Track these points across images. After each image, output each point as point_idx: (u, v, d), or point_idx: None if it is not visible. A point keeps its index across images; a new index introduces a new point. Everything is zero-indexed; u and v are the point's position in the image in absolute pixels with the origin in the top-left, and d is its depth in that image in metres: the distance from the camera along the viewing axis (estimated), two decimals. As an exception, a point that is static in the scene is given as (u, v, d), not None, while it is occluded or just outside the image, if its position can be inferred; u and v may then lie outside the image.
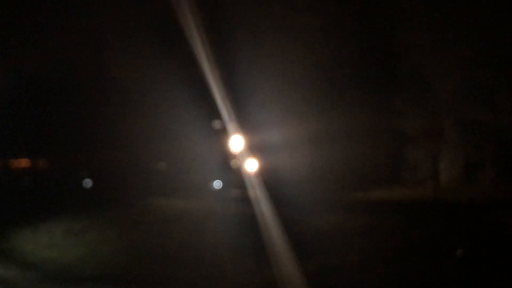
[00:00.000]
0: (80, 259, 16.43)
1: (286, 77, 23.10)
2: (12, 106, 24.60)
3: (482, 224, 16.34)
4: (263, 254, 15.29)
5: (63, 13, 23.86)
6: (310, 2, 22.83)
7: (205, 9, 20.38)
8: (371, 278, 13.36)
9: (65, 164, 26.59)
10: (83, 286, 14.29)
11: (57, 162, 26.91)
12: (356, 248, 15.82)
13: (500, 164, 21.73)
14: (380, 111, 23.12)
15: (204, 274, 14.61)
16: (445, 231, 16.14)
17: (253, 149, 21.74)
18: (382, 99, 23.13)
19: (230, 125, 20.81)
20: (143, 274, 15.03)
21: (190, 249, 16.79)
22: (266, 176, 21.12)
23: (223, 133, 21.86)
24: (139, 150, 24.84)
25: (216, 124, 22.35)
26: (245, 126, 21.44)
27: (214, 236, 17.46)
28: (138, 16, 23.86)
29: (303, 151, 23.30)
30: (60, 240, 18.17)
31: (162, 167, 26.11)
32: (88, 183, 26.12)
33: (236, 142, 21.31)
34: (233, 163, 23.04)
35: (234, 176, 22.75)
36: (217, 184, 23.78)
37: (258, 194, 19.30)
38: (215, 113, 20.97)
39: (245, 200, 20.24)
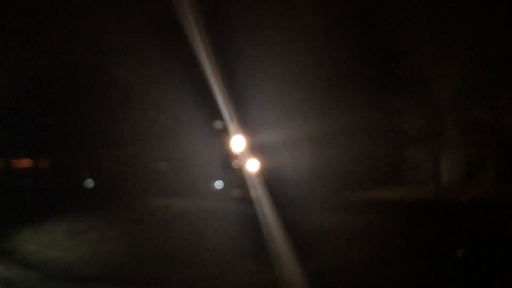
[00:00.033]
0: (82, 259, 16.49)
1: (287, 78, 23.11)
2: (13, 106, 24.66)
3: (483, 224, 16.35)
4: (264, 254, 15.33)
5: (66, 14, 23.90)
6: (310, 2, 22.84)
7: (206, 10, 20.40)
8: (372, 277, 13.39)
9: (67, 164, 26.64)
10: (84, 286, 14.34)
11: (59, 162, 26.96)
12: (357, 248, 15.84)
13: (501, 164, 21.73)
14: (381, 111, 23.12)
15: (205, 274, 14.65)
16: (446, 231, 16.16)
17: (254, 149, 21.75)
18: (383, 99, 23.13)
19: (231, 125, 20.84)
20: (144, 274, 15.08)
21: (191, 249, 16.83)
22: (267, 176, 21.15)
23: (224, 133, 21.88)
24: (141, 150, 24.86)
25: (218, 124, 22.37)
26: (246, 126, 21.47)
27: (215, 236, 17.50)
28: (140, 17, 23.88)
29: (304, 151, 23.33)
30: (61, 240, 18.21)
31: (163, 167, 26.15)
32: (89, 183, 26.16)
33: (237, 142, 21.33)
34: (234, 163, 23.07)
35: (235, 176, 22.78)
36: (219, 184, 23.80)
37: (259, 194, 19.33)
38: (216, 114, 21.00)
39: (246, 200, 20.28)
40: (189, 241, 17.58)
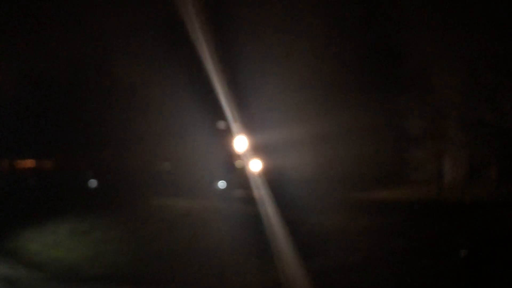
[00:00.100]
0: (85, 259, 16.53)
1: (290, 78, 23.12)
2: (17, 107, 24.73)
3: (485, 224, 16.34)
4: (267, 254, 15.34)
5: (70, 15, 23.96)
6: (313, 4, 22.84)
7: (210, 11, 20.43)
8: (375, 278, 13.40)
9: (70, 164, 26.71)
10: (87, 285, 14.38)
11: (62, 163, 27.03)
12: (360, 248, 15.84)
13: (503, 164, 21.69)
14: (383, 111, 23.10)
15: (208, 274, 14.67)
16: (448, 231, 16.15)
17: (257, 149, 21.78)
18: (385, 99, 23.11)
19: (234, 126, 20.86)
20: (148, 274, 15.12)
21: (194, 249, 16.86)
22: (270, 176, 21.17)
23: (227, 134, 21.91)
24: (144, 151, 24.91)
25: (221, 124, 22.40)
26: (249, 126, 21.49)
27: (218, 236, 17.52)
28: (143, 17, 23.93)
29: (307, 151, 23.34)
30: (65, 240, 18.27)
31: (166, 167, 26.19)
32: (92, 183, 26.21)
33: (240, 143, 21.36)
34: (237, 163, 23.10)
35: (238, 176, 22.80)
36: (221, 184, 23.83)
37: (262, 194, 19.35)
38: (219, 114, 21.02)
39: (249, 200, 20.30)
40: (192, 241, 17.61)
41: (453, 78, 21.36)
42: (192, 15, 19.46)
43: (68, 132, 25.06)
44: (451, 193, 20.99)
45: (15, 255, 17.03)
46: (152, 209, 21.33)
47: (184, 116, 23.00)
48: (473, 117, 21.64)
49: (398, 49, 22.56)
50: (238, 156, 22.20)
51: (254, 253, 15.82)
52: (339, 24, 22.68)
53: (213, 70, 19.69)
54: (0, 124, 23.46)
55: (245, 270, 14.85)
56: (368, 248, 15.77)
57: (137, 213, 20.76)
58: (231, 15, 23.07)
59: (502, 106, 21.47)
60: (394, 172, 23.52)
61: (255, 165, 21.37)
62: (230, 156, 22.77)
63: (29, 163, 27.34)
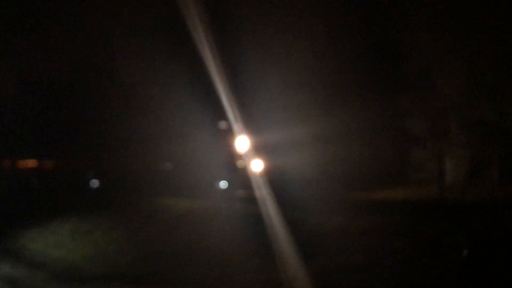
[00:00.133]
0: (87, 259, 16.55)
1: (292, 78, 23.14)
2: (19, 107, 24.79)
3: (487, 224, 16.32)
4: (268, 254, 15.35)
5: (71, 16, 24.02)
6: (315, 4, 22.85)
7: (211, 11, 20.45)
8: (377, 278, 13.39)
9: (72, 164, 26.75)
10: (89, 285, 14.38)
11: (64, 163, 27.06)
12: (362, 248, 15.84)
13: (505, 164, 21.69)
14: (385, 111, 23.13)
15: (210, 273, 14.68)
16: (450, 231, 16.12)
17: (259, 149, 21.78)
18: (387, 99, 23.14)
19: (236, 126, 20.87)
20: (149, 274, 15.12)
21: (196, 248, 16.87)
22: (272, 176, 21.18)
23: (229, 134, 21.91)
24: (146, 151, 24.94)
25: (222, 124, 22.41)
26: (251, 126, 21.50)
27: (219, 236, 17.53)
28: (144, 18, 23.97)
29: (309, 151, 23.35)
30: (67, 240, 18.29)
31: (168, 167, 26.22)
32: (94, 183, 26.24)
33: (242, 143, 21.36)
34: (238, 163, 23.10)
35: (240, 176, 22.81)
36: (223, 184, 23.84)
37: (263, 194, 19.36)
38: (221, 114, 21.04)
39: (250, 200, 20.31)
40: (193, 240, 17.61)
41: (454, 78, 21.39)
42: (193, 15, 19.49)
43: (70, 132, 25.11)
44: (452, 193, 20.99)
45: (16, 255, 17.05)
46: (154, 209, 21.34)
47: (186, 116, 23.05)
48: (474, 117, 21.66)
49: (399, 50, 22.60)
50: (240, 156, 22.19)
51: (255, 253, 15.83)
52: (341, 25, 22.71)
53: (214, 70, 19.71)
54: (2, 124, 23.52)
55: (246, 270, 14.85)
56: (369, 248, 15.76)
57: (138, 213, 20.77)
58: (232, 15, 23.11)
59: (503, 106, 21.46)
60: (395, 172, 23.54)
61: (257, 165, 21.37)
62: (232, 156, 22.76)
63: (30, 163, 27.39)
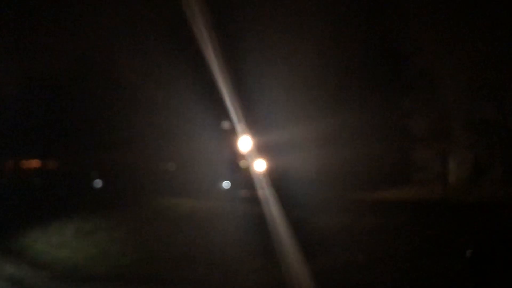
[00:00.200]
0: (90, 259, 16.59)
1: (294, 78, 23.13)
2: (22, 107, 24.81)
3: (491, 224, 16.30)
4: (271, 253, 15.36)
5: (74, 16, 24.05)
6: (318, 4, 22.84)
7: (214, 10, 20.46)
8: (379, 278, 13.40)
9: (75, 164, 26.76)
10: (93, 285, 14.42)
11: (67, 163, 27.09)
12: (365, 248, 15.84)
13: (508, 164, 21.65)
14: (388, 111, 23.10)
15: (213, 273, 14.70)
16: (454, 231, 16.13)
17: (262, 149, 21.78)
18: (390, 99, 23.11)
19: (239, 126, 20.87)
20: (153, 274, 15.15)
21: (199, 248, 16.89)
22: (275, 176, 21.17)
23: (232, 134, 21.91)
24: (149, 151, 24.96)
25: (225, 124, 22.40)
26: (253, 126, 21.49)
27: (222, 236, 17.55)
28: (148, 17, 23.97)
29: (311, 151, 23.33)
30: (70, 240, 18.31)
31: (171, 168, 26.23)
32: (98, 183, 26.26)
33: (245, 143, 21.35)
34: (241, 163, 23.10)
35: (243, 176, 22.80)
36: (226, 184, 23.84)
37: (266, 194, 19.36)
38: (224, 114, 21.04)
39: (253, 200, 20.31)
40: (196, 240, 17.63)
41: (457, 78, 21.36)
42: (196, 15, 19.50)
43: (73, 132, 25.13)
44: (455, 193, 20.98)
45: (20, 255, 17.09)
46: (157, 209, 21.36)
47: (189, 116, 23.05)
48: (477, 117, 21.65)
49: (403, 50, 22.56)
50: (242, 156, 22.18)
51: (258, 252, 15.85)
52: (343, 25, 22.68)
53: (217, 70, 19.72)
54: (5, 124, 23.56)
55: (249, 269, 14.87)
56: (372, 248, 15.77)
57: (141, 213, 20.79)
58: (235, 16, 23.11)
59: (506, 106, 21.43)
60: (398, 172, 23.50)
61: (259, 165, 21.37)
62: (235, 156, 22.75)
63: (34, 163, 27.42)
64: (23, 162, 27.15)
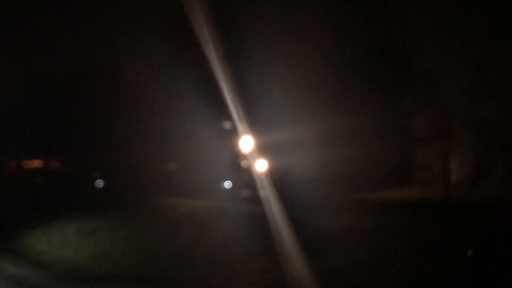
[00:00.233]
0: (92, 259, 16.60)
1: (296, 78, 23.14)
2: (25, 108, 24.87)
3: (492, 224, 16.29)
4: (273, 253, 15.37)
5: (76, 16, 24.09)
6: (319, 5, 22.85)
7: (216, 11, 20.48)
8: (381, 278, 13.39)
9: (77, 164, 26.81)
10: (95, 285, 14.42)
11: (69, 163, 27.14)
12: (366, 248, 15.84)
13: (510, 164, 21.63)
14: (390, 111, 23.09)
15: (215, 273, 14.70)
16: (455, 231, 16.12)
17: (263, 149, 21.80)
18: (392, 99, 23.11)
19: (240, 126, 20.90)
20: (154, 274, 15.14)
21: (200, 248, 16.91)
22: (276, 176, 21.18)
23: (233, 134, 21.93)
24: (150, 151, 24.99)
25: (227, 124, 22.43)
26: (255, 126, 21.52)
27: (224, 236, 17.56)
28: (150, 19, 24.02)
29: (313, 151, 23.34)
30: (72, 239, 18.34)
31: (173, 167, 26.25)
32: (99, 183, 26.30)
33: (246, 143, 21.38)
34: (243, 163, 23.12)
35: (244, 176, 22.82)
36: (227, 184, 23.86)
37: (268, 194, 19.37)
38: (225, 114, 21.07)
39: (255, 200, 20.32)
40: (198, 240, 17.65)
41: (459, 78, 21.34)
42: (198, 16, 19.52)
43: (75, 132, 25.17)
44: (457, 193, 20.96)
45: (22, 254, 17.12)
46: (159, 209, 21.38)
47: (190, 117, 23.08)
48: (479, 117, 21.62)
49: (404, 50, 22.56)
50: (244, 156, 22.21)
51: (259, 252, 15.85)
52: (344, 25, 22.69)
53: (219, 70, 19.74)
54: (8, 124, 23.61)
55: (250, 269, 14.87)
56: (373, 248, 15.77)
57: (143, 213, 20.81)
58: (237, 16, 23.12)
59: (508, 106, 21.41)
60: (400, 172, 23.49)
61: (261, 165, 21.39)
62: (236, 156, 22.79)
63: (36, 163, 27.47)
64: (25, 162, 27.21)
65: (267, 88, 22.83)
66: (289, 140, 22.70)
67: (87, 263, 16.20)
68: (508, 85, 21.32)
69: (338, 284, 13.45)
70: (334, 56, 22.86)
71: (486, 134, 21.69)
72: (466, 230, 15.74)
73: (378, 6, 23.01)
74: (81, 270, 15.59)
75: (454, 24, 20.76)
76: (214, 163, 23.51)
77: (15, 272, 15.23)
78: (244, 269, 14.86)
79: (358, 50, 22.68)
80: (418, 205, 20.30)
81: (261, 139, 22.02)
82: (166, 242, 17.73)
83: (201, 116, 22.42)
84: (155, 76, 24.39)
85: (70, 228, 19.16)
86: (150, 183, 23.92)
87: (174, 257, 16.35)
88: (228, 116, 21.07)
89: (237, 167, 23.13)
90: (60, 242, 18.09)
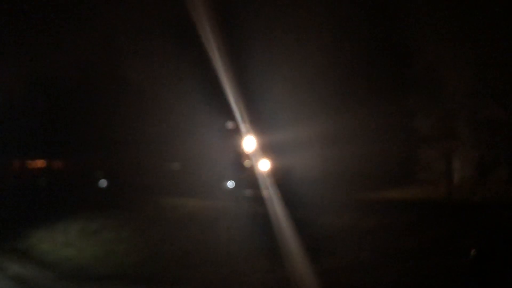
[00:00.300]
0: (95, 258, 16.65)
1: (299, 78, 23.14)
2: (28, 108, 24.94)
3: (495, 224, 16.27)
4: (276, 253, 15.39)
5: (79, 16, 24.12)
6: (322, 5, 22.82)
7: (219, 12, 20.49)
8: (384, 277, 13.40)
9: (81, 164, 26.87)
10: (98, 284, 14.47)
11: (73, 163, 27.20)
12: (369, 247, 15.84)
13: (513, 164, 21.61)
14: (393, 111, 23.06)
15: (218, 273, 14.73)
16: (458, 230, 16.11)
17: (266, 149, 21.80)
18: (395, 99, 23.07)
19: (243, 126, 20.91)
20: (157, 273, 15.19)
21: (203, 248, 16.93)
22: (279, 176, 21.19)
23: (236, 134, 21.95)
24: (154, 151, 25.01)
25: (230, 124, 22.44)
26: (258, 126, 21.52)
27: (227, 236, 17.58)
28: (153, 19, 24.05)
29: (316, 151, 23.33)
30: (75, 239, 18.40)
31: (176, 167, 26.28)
32: (103, 183, 26.36)
33: (249, 143, 21.39)
34: (246, 163, 23.13)
35: (247, 176, 22.83)
36: (230, 184, 23.88)
37: (270, 194, 19.38)
38: (228, 114, 21.08)
39: (258, 199, 20.34)
40: (201, 240, 17.68)
41: (463, 78, 21.27)
42: (201, 16, 19.54)
43: (79, 132, 25.22)
44: (461, 193, 20.93)
45: (26, 254, 17.18)
46: (162, 208, 21.42)
47: (193, 117, 23.10)
48: (482, 116, 21.54)
49: (408, 49, 22.50)
50: (247, 156, 22.22)
51: (263, 252, 15.87)
52: (348, 25, 22.66)
53: (222, 70, 19.75)
54: (12, 125, 23.68)
55: (253, 269, 14.89)
56: (377, 247, 15.77)
57: (146, 212, 20.86)
58: (240, 16, 23.13)
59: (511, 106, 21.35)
60: (403, 172, 23.45)
61: (264, 165, 21.40)
62: (239, 156, 22.79)
63: (40, 163, 27.54)
64: (29, 162, 27.28)
65: (269, 88, 22.84)
66: (292, 140, 22.71)
67: (90, 263, 16.25)
68: (511, 84, 21.25)
69: (340, 283, 13.46)
70: (337, 56, 22.84)
71: (489, 134, 21.62)
72: (468, 230, 15.73)
73: (382, 6, 22.97)
74: (84, 270, 15.64)
75: (457, 23, 20.70)
76: (217, 163, 23.53)
77: (19, 271, 15.29)
78: (246, 269, 14.88)
79: (361, 50, 22.64)
80: (421, 204, 20.28)
81: (264, 139, 22.02)
82: (170, 241, 17.77)
83: (204, 116, 22.45)
84: (157, 76, 24.42)
85: (73, 228, 19.22)
86: (153, 183, 23.96)
87: (177, 256, 16.39)
88: (231, 116, 21.08)
89: (240, 167, 23.14)
90: (63, 241, 18.15)
